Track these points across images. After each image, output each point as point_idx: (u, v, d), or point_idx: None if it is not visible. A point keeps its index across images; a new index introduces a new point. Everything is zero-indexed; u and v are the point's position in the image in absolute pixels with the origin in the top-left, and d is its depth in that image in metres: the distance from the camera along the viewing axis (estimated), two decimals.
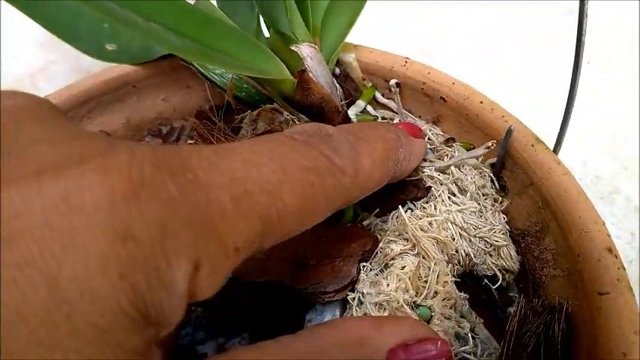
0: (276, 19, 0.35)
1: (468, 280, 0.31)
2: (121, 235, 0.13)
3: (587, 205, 0.28)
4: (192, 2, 0.33)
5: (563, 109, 0.30)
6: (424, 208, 0.31)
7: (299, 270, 0.30)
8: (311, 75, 0.35)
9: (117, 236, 0.13)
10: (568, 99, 0.29)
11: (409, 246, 0.29)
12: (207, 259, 0.16)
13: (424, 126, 0.37)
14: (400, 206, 0.32)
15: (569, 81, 0.29)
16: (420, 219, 0.30)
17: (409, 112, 0.39)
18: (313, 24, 0.38)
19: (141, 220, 0.14)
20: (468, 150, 0.35)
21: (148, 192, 0.14)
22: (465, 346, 0.28)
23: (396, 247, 0.29)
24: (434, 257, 0.28)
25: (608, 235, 0.27)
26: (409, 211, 0.32)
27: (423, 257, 0.29)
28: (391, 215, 0.32)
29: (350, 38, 0.39)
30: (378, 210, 0.33)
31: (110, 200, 0.13)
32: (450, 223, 0.30)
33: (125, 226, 0.14)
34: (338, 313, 0.29)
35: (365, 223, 0.33)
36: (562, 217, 0.29)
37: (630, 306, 0.24)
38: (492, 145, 0.32)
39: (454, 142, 0.36)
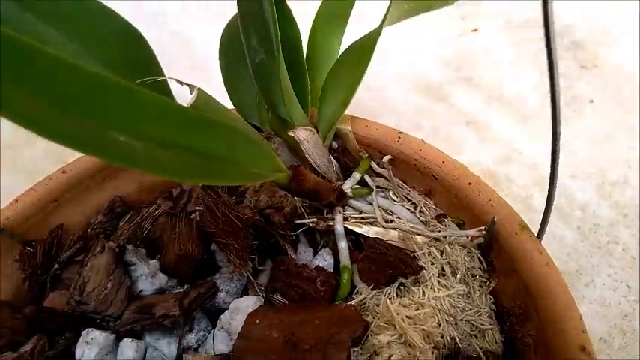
0: (274, 104, 0.37)
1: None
2: None
3: (566, 299, 0.30)
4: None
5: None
6: (413, 292, 0.33)
7: (293, 352, 0.32)
8: (307, 156, 0.37)
9: None
10: (549, 189, 0.31)
11: (396, 335, 0.31)
12: None
13: (418, 197, 0.39)
14: (390, 285, 0.34)
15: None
16: (408, 307, 0.32)
17: (404, 183, 0.40)
18: (311, 101, 0.40)
19: None
20: (458, 225, 0.37)
21: None
22: None
23: (384, 338, 0.31)
24: (419, 347, 0.30)
25: (584, 331, 0.28)
26: (400, 290, 0.34)
27: (410, 346, 0.31)
28: (382, 299, 0.34)
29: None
30: (373, 284, 0.36)
31: None
32: (437, 310, 0.32)
33: None
34: None
35: (361, 297, 0.36)
36: (541, 309, 0.30)
37: None
38: (482, 230, 0.34)
39: (445, 217, 0.37)
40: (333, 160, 0.40)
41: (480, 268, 0.35)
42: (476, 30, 0.75)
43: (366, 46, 0.38)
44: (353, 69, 0.39)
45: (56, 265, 0.41)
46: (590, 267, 0.49)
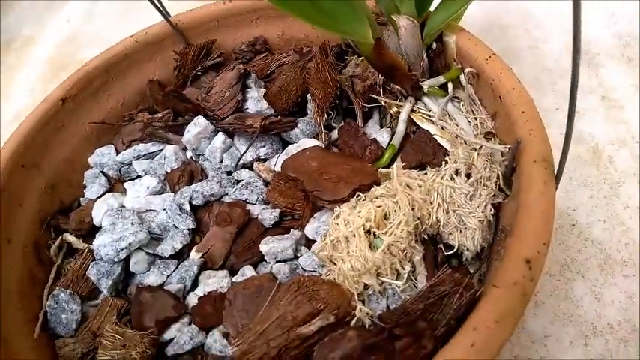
0: None
1: (431, 242, 0.38)
2: None
3: (543, 223, 0.32)
4: None
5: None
6: (425, 173, 0.38)
7: (317, 177, 0.40)
8: (400, 42, 0.43)
9: None
10: (567, 129, 0.32)
11: (391, 194, 0.37)
12: None
13: (483, 116, 0.43)
14: (417, 169, 0.40)
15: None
16: (411, 178, 0.37)
17: (480, 101, 0.44)
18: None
19: None
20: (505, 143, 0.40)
21: None
22: (396, 280, 0.36)
23: (380, 191, 0.37)
24: (404, 209, 0.36)
25: (538, 252, 0.31)
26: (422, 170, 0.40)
27: (399, 207, 0.36)
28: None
29: None
30: (405, 164, 0.41)
31: None
32: (434, 192, 0.37)
33: None
34: (330, 218, 0.39)
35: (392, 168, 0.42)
36: (518, 227, 0.33)
37: (507, 301, 0.30)
38: (506, 149, 0.37)
39: (493, 137, 0.41)
40: (425, 56, 0.44)
41: (495, 183, 0.38)
42: None
43: None
44: None
45: (199, 68, 0.54)
46: None
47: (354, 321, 0.34)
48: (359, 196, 0.39)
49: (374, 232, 0.36)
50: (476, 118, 0.42)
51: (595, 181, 0.53)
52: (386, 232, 0.36)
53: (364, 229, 0.36)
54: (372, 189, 0.38)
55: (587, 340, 0.45)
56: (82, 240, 0.47)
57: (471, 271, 0.38)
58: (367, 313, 0.34)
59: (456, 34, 0.45)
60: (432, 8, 0.45)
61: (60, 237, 0.47)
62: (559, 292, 0.47)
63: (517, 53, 0.66)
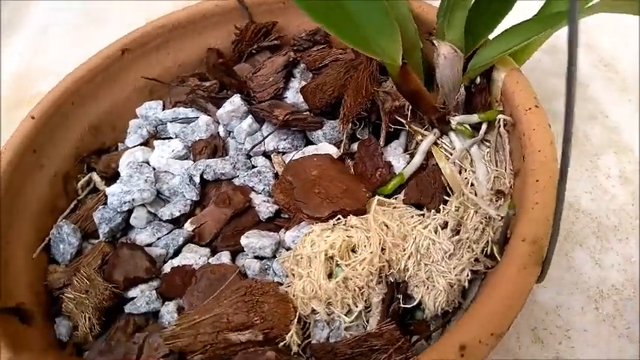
0: (444, 15, 0.39)
1: (396, 287, 0.35)
2: None
3: (489, 311, 0.29)
4: None
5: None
6: (412, 216, 0.36)
7: (308, 188, 0.39)
8: (437, 71, 0.40)
9: None
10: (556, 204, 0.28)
11: (365, 228, 0.35)
12: None
13: (506, 170, 0.38)
14: (415, 208, 0.37)
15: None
16: (390, 219, 0.35)
17: (510, 153, 0.39)
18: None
19: None
20: (509, 208, 0.36)
21: None
22: (345, 315, 0.34)
23: (356, 222, 0.35)
24: (372, 248, 0.34)
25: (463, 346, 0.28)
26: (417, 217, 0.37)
27: (369, 243, 0.35)
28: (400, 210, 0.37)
29: None
30: (404, 199, 0.39)
31: None
32: (410, 239, 0.34)
33: None
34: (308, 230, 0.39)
35: (393, 199, 0.39)
36: (471, 307, 0.30)
37: None
38: (499, 217, 0.33)
39: (504, 195, 0.37)
40: (463, 90, 0.41)
41: (482, 249, 0.34)
42: None
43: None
44: (540, 27, 0.38)
45: (255, 46, 0.54)
46: None
47: (282, 343, 0.33)
48: (339, 219, 0.37)
49: (336, 261, 0.35)
50: (497, 170, 0.38)
51: (575, 156, 0.55)
52: (348, 265, 0.34)
53: (326, 255, 0.35)
54: (348, 217, 0.36)
55: (596, 304, 0.46)
56: (104, 182, 0.51)
57: (431, 328, 0.35)
58: (296, 342, 0.33)
59: (505, 74, 0.40)
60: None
61: (89, 174, 0.51)
62: (561, 263, 0.48)
63: None
